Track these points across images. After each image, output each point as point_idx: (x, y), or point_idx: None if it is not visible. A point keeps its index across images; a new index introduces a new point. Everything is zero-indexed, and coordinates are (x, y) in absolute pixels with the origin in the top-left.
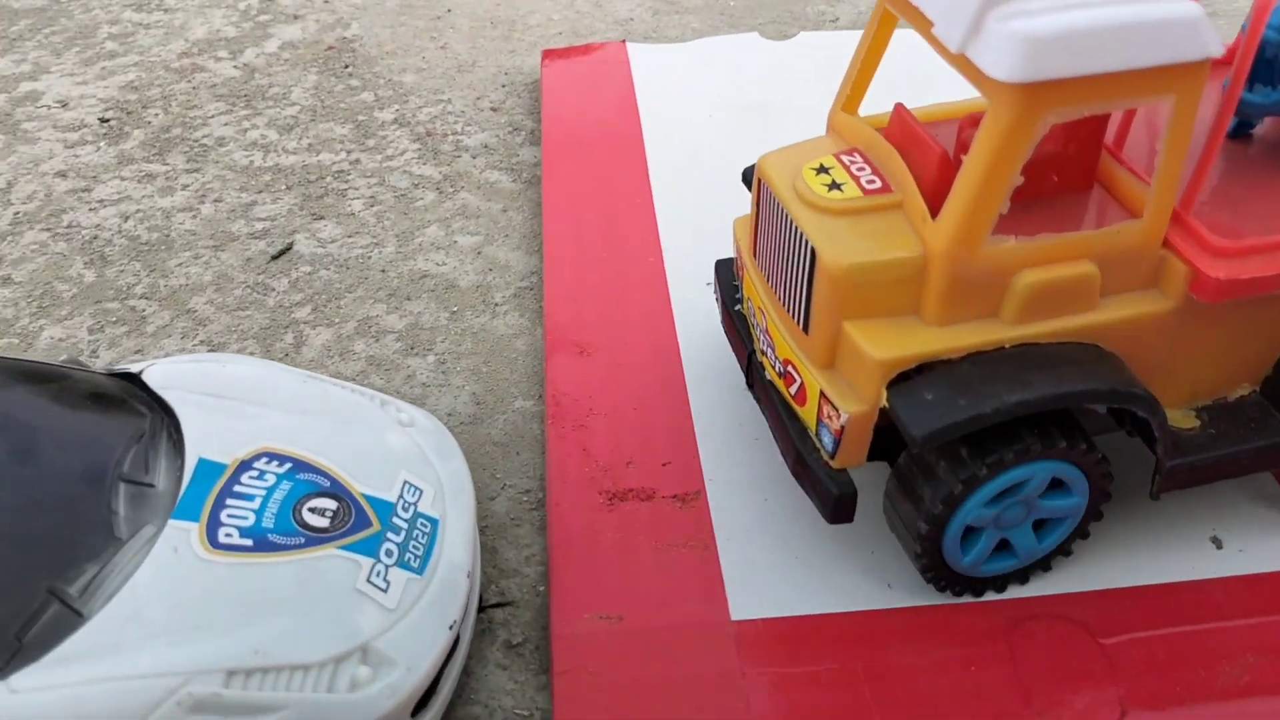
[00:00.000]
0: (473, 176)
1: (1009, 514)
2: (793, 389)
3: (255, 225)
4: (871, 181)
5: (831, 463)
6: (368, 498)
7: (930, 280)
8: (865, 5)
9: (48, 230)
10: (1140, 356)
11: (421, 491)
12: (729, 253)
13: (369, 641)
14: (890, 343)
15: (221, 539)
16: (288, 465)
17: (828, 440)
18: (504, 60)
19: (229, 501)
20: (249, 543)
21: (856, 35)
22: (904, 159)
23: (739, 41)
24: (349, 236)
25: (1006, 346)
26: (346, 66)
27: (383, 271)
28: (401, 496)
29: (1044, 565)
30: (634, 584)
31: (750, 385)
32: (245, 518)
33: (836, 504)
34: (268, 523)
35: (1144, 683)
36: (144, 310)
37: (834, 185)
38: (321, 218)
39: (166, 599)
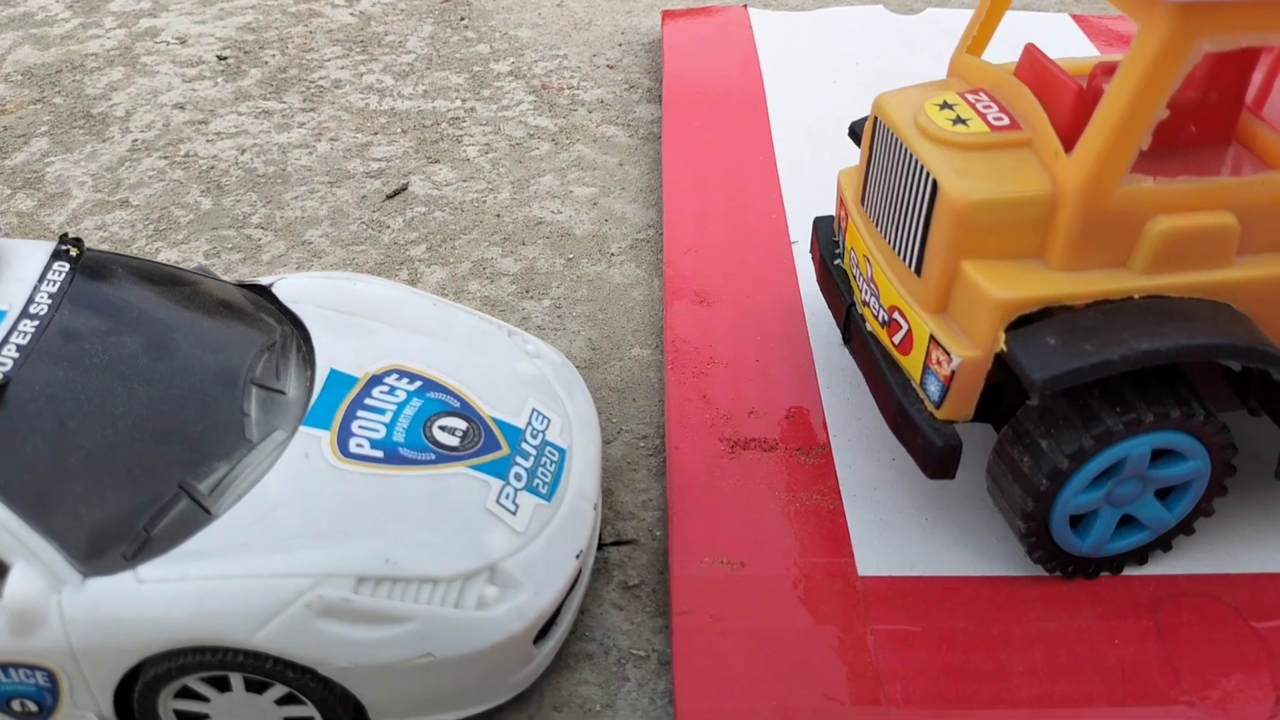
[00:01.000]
0: (588, 130)
1: (1121, 491)
2: (897, 337)
3: (371, 165)
4: (999, 119)
5: (936, 413)
6: (497, 421)
7: (1059, 221)
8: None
9: (165, 158)
10: (1276, 323)
11: (550, 420)
12: None
13: (498, 562)
14: (1012, 283)
15: (352, 449)
16: (418, 383)
17: (934, 389)
18: (621, 20)
19: (360, 413)
20: (379, 454)
21: None
22: (1037, 96)
23: (863, 13)
24: (464, 181)
25: (1135, 297)
26: (463, 19)
27: (498, 216)
28: (530, 423)
29: (1164, 545)
30: (756, 532)
31: (847, 340)
32: (376, 430)
33: (940, 456)
34: (399, 436)
35: None
36: (260, 239)
37: (958, 120)
38: (437, 161)
39: (297, 503)
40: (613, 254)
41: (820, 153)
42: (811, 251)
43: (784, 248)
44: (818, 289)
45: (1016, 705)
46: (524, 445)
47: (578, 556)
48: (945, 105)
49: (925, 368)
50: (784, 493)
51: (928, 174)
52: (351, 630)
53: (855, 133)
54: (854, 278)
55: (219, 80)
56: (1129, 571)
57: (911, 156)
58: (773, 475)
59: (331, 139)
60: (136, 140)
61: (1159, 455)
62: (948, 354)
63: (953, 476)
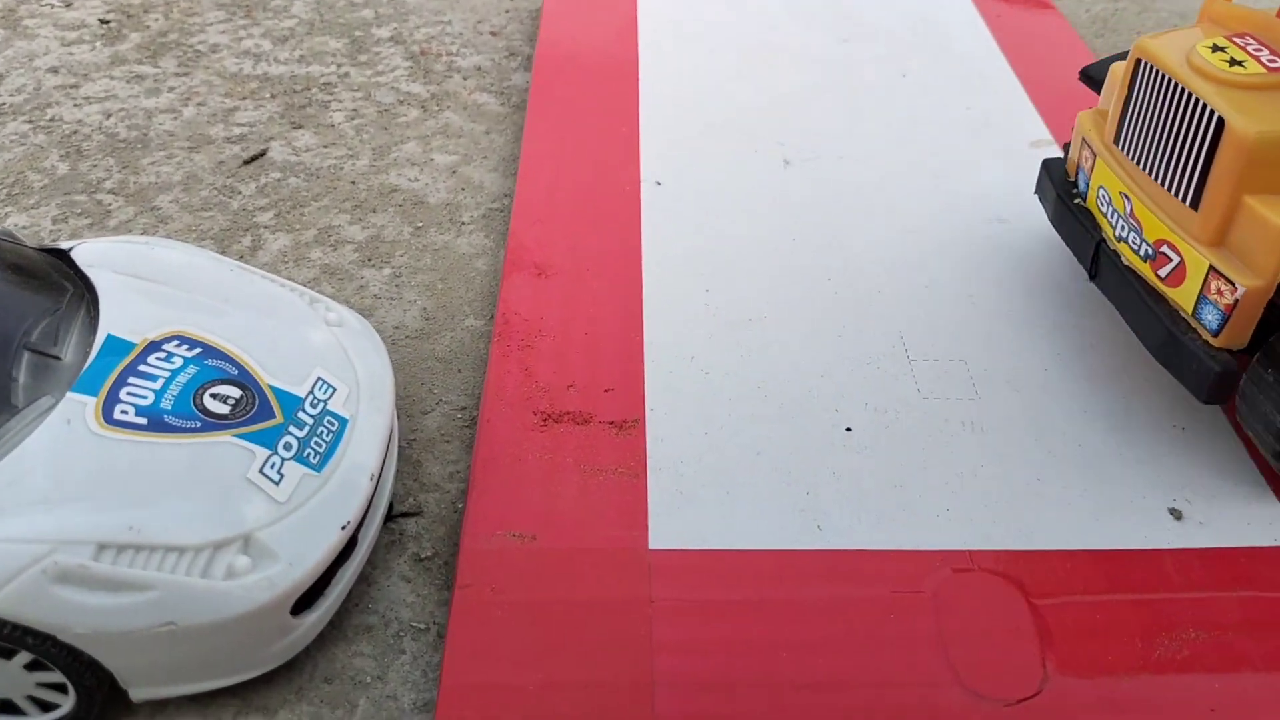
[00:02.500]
0: (460, 97)
1: None
2: (1164, 270)
3: (233, 130)
4: (1273, 60)
5: (1214, 341)
6: (275, 390)
7: None
8: None
9: (30, 122)
10: None
11: (335, 390)
12: (719, 179)
13: (252, 532)
14: None
15: (116, 415)
16: (197, 350)
17: (1212, 318)
18: None
19: (131, 380)
20: (143, 421)
21: None
22: None
23: None
24: (324, 147)
25: None
26: None
27: (352, 183)
28: (312, 392)
29: None
30: (554, 505)
31: (1093, 276)
32: (144, 397)
33: (1219, 380)
34: (166, 404)
35: (1073, 648)
36: (109, 205)
37: (1234, 62)
38: (300, 127)
39: (50, 469)
40: (463, 223)
41: (687, 123)
42: (1041, 193)
43: (633, 223)
44: (661, 266)
45: (778, 681)
46: (300, 414)
47: (343, 528)
48: (1216, 48)
49: (1201, 298)
50: (589, 466)
51: (1211, 111)
52: (90, 597)
53: (1090, 75)
54: (1103, 216)
55: (97, 44)
56: (920, 546)
57: (1189, 95)
58: (581, 449)
59: (199, 104)
60: (3, 104)
61: None
62: (1231, 284)
63: (1228, 400)
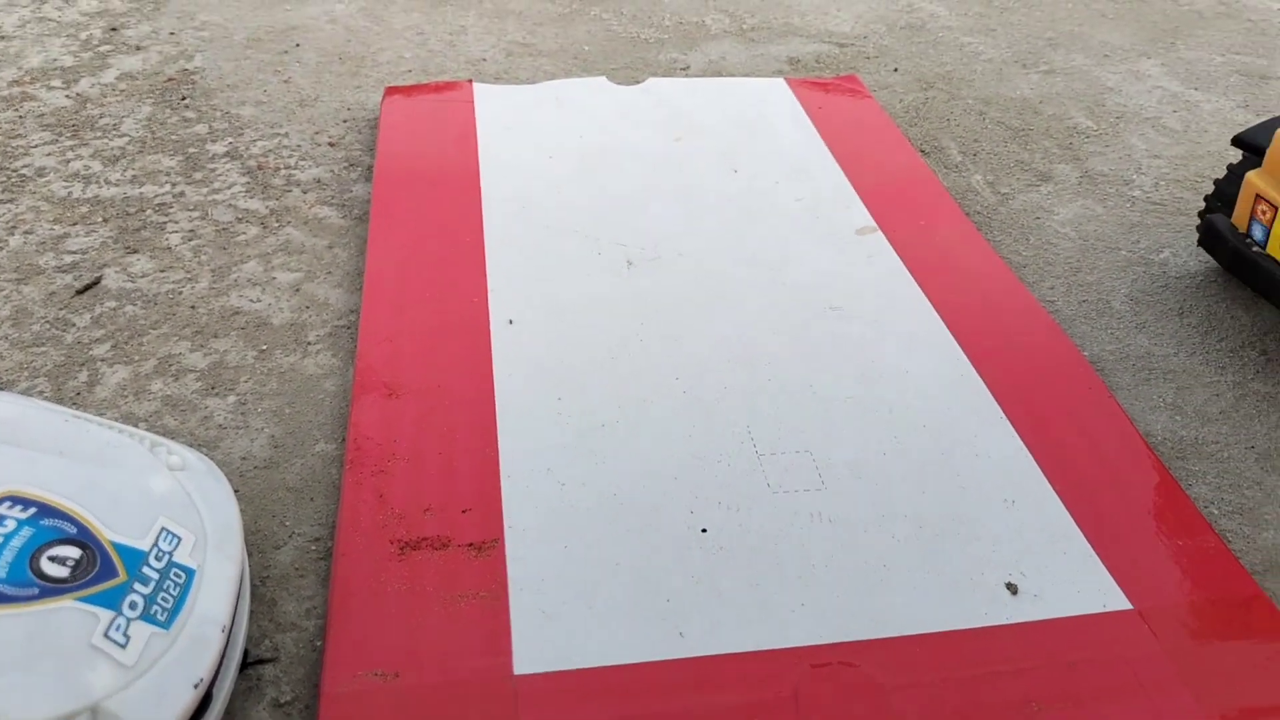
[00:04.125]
0: (301, 211)
1: None
2: None
3: (64, 258)
4: None
5: None
6: (117, 546)
7: None
8: (715, 53)
9: None
10: None
11: (179, 539)
12: (565, 285)
13: (99, 702)
14: None
15: None
16: (32, 510)
17: None
18: (348, 96)
19: None
20: None
21: (705, 82)
22: None
23: (586, 85)
24: (161, 271)
25: None
26: (184, 98)
27: (192, 308)
28: (156, 545)
29: None
30: (416, 638)
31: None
32: None
33: None
34: (0, 572)
35: None
36: None
37: None
38: (135, 251)
39: None
40: (309, 343)
41: (531, 229)
42: (1210, 246)
43: (481, 333)
44: (512, 378)
45: None
46: (145, 570)
47: (196, 686)
48: None
49: None
50: (450, 593)
51: None
52: None
53: (1245, 142)
54: None
55: None
56: (780, 645)
57: None
58: (441, 575)
59: (26, 232)
60: None
61: None
62: None
63: None
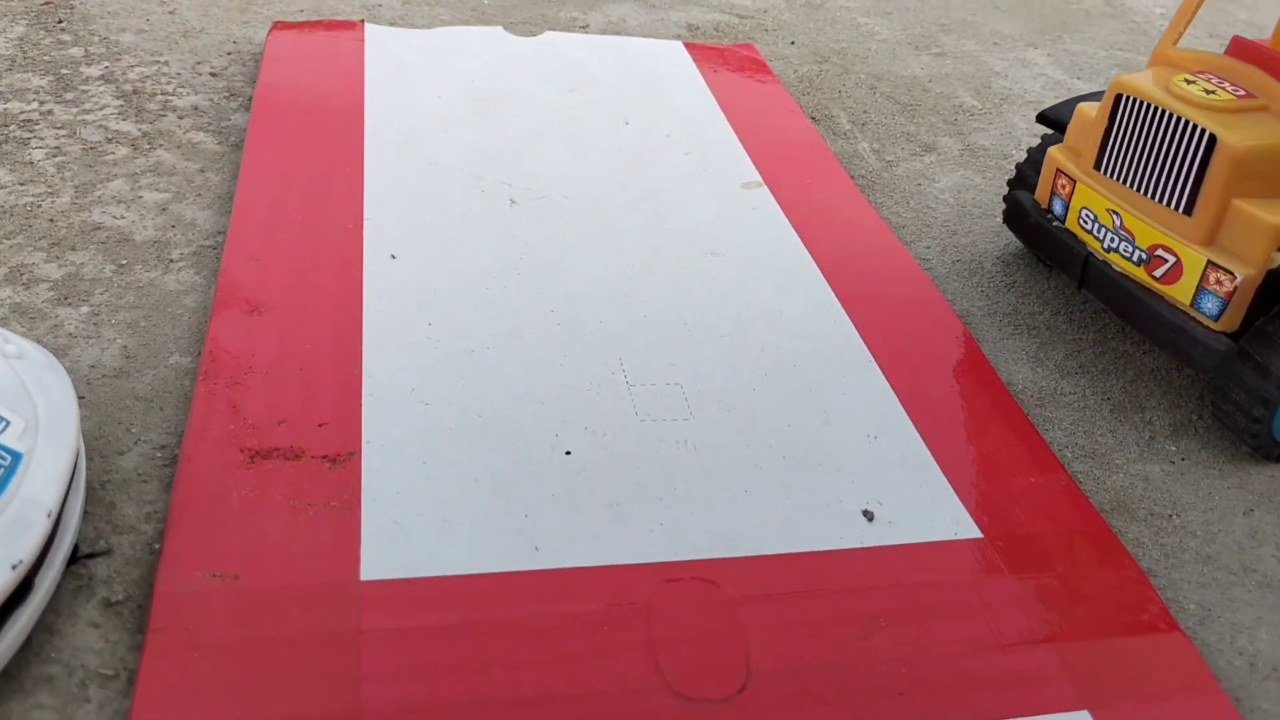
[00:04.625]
0: (175, 136)
1: None
2: (1159, 271)
3: None
4: (1237, 90)
5: (1214, 326)
6: None
7: None
8: (616, 15)
9: None
10: None
11: (9, 423)
12: (444, 217)
13: None
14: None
15: None
16: None
17: (1212, 306)
18: (235, 30)
19: None
20: None
21: (602, 39)
22: (1269, 73)
23: (482, 34)
24: (21, 184)
25: None
26: (60, 22)
27: (50, 221)
28: None
29: None
30: (260, 543)
31: (1082, 286)
32: None
33: (1223, 359)
34: None
35: (773, 646)
36: None
37: (1208, 91)
38: None
39: None
40: (172, 260)
41: (413, 165)
42: (1013, 222)
43: (354, 260)
44: (381, 303)
45: (490, 699)
46: None
47: (14, 567)
48: (1189, 80)
49: (1200, 290)
50: (298, 501)
51: (1201, 130)
52: None
53: (1048, 118)
54: (1087, 233)
55: None
56: (635, 560)
57: (1178, 119)
58: (291, 484)
59: None
60: None
61: None
62: (1230, 273)
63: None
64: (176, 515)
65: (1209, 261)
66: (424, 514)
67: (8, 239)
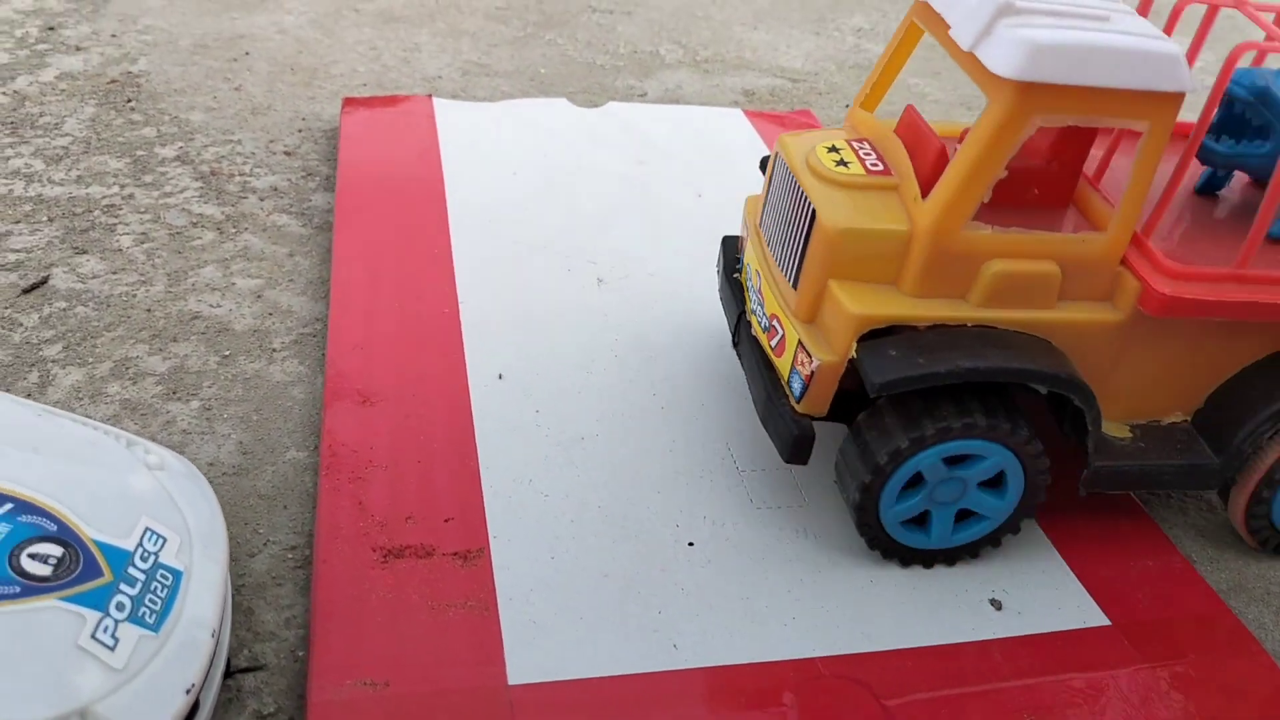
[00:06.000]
0: (258, 219)
1: (943, 490)
2: (774, 341)
3: (8, 257)
4: (875, 165)
5: (798, 407)
6: (100, 545)
7: (912, 254)
8: (671, 82)
9: None
10: (1087, 362)
11: (165, 540)
12: (536, 299)
13: (89, 705)
14: (866, 301)
15: None
16: (8, 506)
17: (797, 386)
18: (302, 106)
19: None
20: None
21: (664, 109)
22: (907, 150)
23: (548, 105)
24: (113, 273)
25: (969, 325)
26: (129, 101)
27: (148, 311)
28: (141, 545)
29: (972, 552)
30: (404, 647)
31: (735, 344)
32: None
33: (795, 442)
34: None
35: None
36: None
37: (841, 162)
38: (84, 252)
39: None
40: (274, 350)
41: (499, 243)
42: (718, 267)
43: (455, 344)
44: (487, 388)
45: None
46: (131, 570)
47: (188, 691)
48: (833, 149)
49: (792, 368)
50: (437, 602)
51: (809, 204)
52: None
53: (763, 166)
54: (747, 290)
55: None
56: (774, 657)
57: (799, 188)
58: (426, 584)
59: None
60: None
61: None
62: (810, 356)
63: (805, 462)
64: (319, 621)
65: (799, 340)
66: (560, 613)
67: (108, 331)
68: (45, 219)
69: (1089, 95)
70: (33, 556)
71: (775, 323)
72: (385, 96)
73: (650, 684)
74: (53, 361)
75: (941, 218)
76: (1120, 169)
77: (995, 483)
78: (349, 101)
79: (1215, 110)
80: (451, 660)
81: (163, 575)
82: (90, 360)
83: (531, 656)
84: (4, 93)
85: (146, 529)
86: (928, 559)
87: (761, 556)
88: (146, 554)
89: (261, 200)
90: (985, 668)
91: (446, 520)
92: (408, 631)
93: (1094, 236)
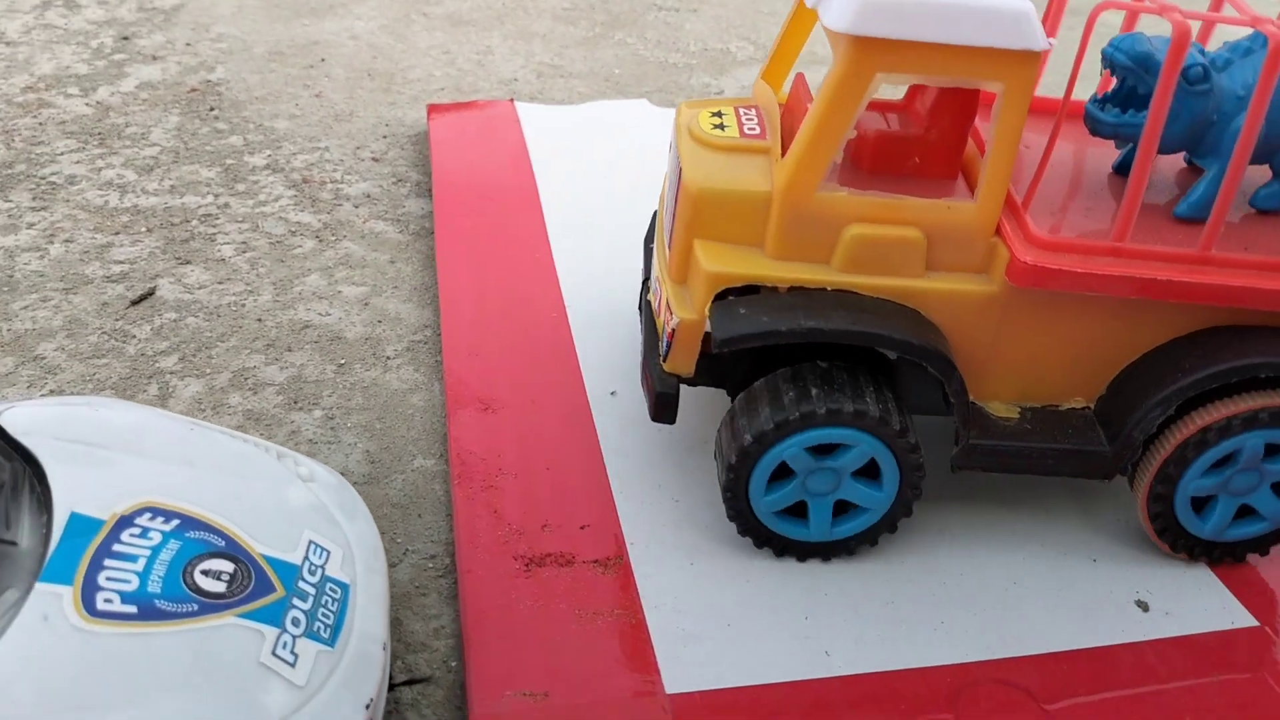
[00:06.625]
0: (355, 226)
1: (816, 480)
2: (657, 302)
3: (112, 268)
4: (752, 129)
5: (665, 366)
6: (269, 559)
7: (771, 215)
8: (746, 79)
9: None
10: (965, 337)
11: (329, 553)
12: (631, 304)
13: None
14: (724, 260)
15: (100, 605)
16: (175, 522)
17: (664, 346)
18: (384, 112)
19: (108, 562)
20: (133, 609)
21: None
22: (786, 116)
23: (629, 107)
24: (220, 283)
25: (828, 288)
26: (212, 109)
27: (259, 320)
28: (307, 558)
29: (848, 549)
30: (558, 657)
31: (640, 309)
32: (128, 580)
33: (657, 400)
34: (154, 586)
35: None
36: None
37: (719, 126)
38: (188, 262)
39: (35, 675)
40: (388, 358)
41: (596, 245)
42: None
43: (567, 349)
44: (604, 392)
45: None
46: (301, 584)
47: (367, 707)
48: (718, 114)
49: (663, 326)
50: (585, 610)
51: (680, 165)
52: None
53: None
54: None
55: None
56: (928, 663)
57: (677, 151)
58: (571, 592)
59: (66, 240)
60: None
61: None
62: (672, 314)
63: (670, 421)
64: (472, 632)
65: (667, 298)
66: (707, 620)
67: (222, 341)
68: (144, 229)
69: (931, 51)
70: (205, 573)
71: (657, 283)
72: (468, 102)
73: (807, 691)
74: (170, 373)
75: (793, 177)
76: (1026, 141)
77: (872, 473)
78: (434, 108)
79: (1078, 74)
80: (607, 670)
81: (331, 589)
82: (208, 371)
83: (685, 665)
84: (87, 104)
85: (310, 542)
86: (802, 552)
87: (903, 560)
88: (314, 567)
89: (356, 207)
90: (1142, 670)
91: (582, 527)
92: (559, 641)
93: (961, 204)
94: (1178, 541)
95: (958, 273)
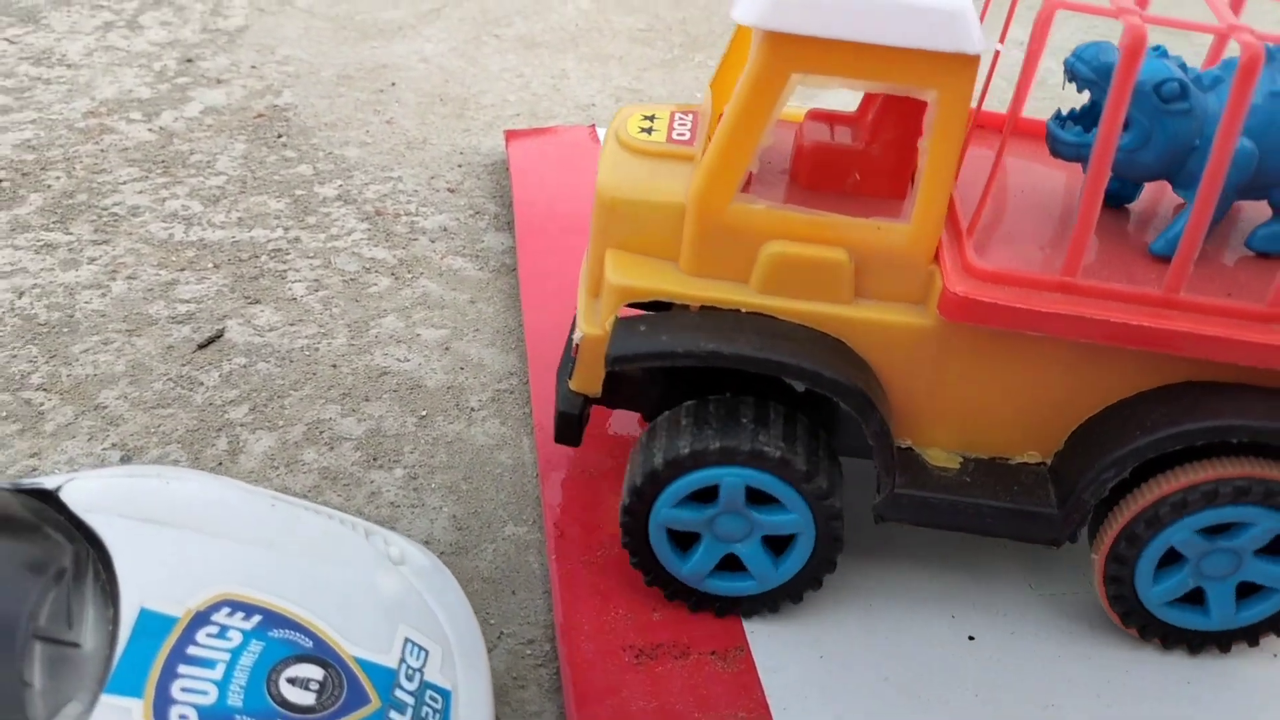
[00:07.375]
0: (432, 262)
1: (725, 525)
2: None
3: (177, 308)
4: (681, 135)
5: (571, 384)
6: (362, 663)
7: (685, 227)
8: (835, 103)
9: None
10: (898, 374)
11: (427, 653)
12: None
13: None
14: (632, 274)
15: None
16: (257, 618)
17: (570, 360)
18: (458, 139)
19: (182, 669)
20: None
21: None
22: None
23: None
24: (291, 325)
25: (742, 310)
26: (280, 136)
27: (334, 367)
28: (404, 660)
29: (794, 596)
30: None
31: None
32: (205, 693)
33: (560, 420)
34: (235, 699)
35: None
36: (41, 404)
37: (647, 130)
38: (257, 301)
39: None
40: (473, 409)
41: None
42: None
43: None
44: None
45: None
46: (398, 693)
47: None
48: (649, 118)
49: (573, 341)
50: (708, 712)
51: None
52: None
53: None
54: None
55: None
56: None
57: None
58: (690, 690)
59: (129, 277)
60: None
61: (764, 500)
62: (576, 329)
63: (573, 443)
64: None
65: (576, 314)
66: (842, 718)
67: (295, 390)
68: (211, 265)
69: (853, 51)
70: (292, 681)
71: (578, 298)
72: (546, 128)
73: None
74: (241, 425)
75: (704, 185)
76: (985, 163)
77: (785, 540)
78: (511, 134)
79: (1030, 84)
80: None
81: (432, 697)
82: (280, 423)
83: None
84: (150, 129)
85: (407, 640)
86: (731, 606)
87: (1055, 653)
88: (411, 671)
89: (433, 242)
90: None
91: (695, 611)
92: None
93: (892, 225)
94: (1146, 628)
95: (890, 302)
